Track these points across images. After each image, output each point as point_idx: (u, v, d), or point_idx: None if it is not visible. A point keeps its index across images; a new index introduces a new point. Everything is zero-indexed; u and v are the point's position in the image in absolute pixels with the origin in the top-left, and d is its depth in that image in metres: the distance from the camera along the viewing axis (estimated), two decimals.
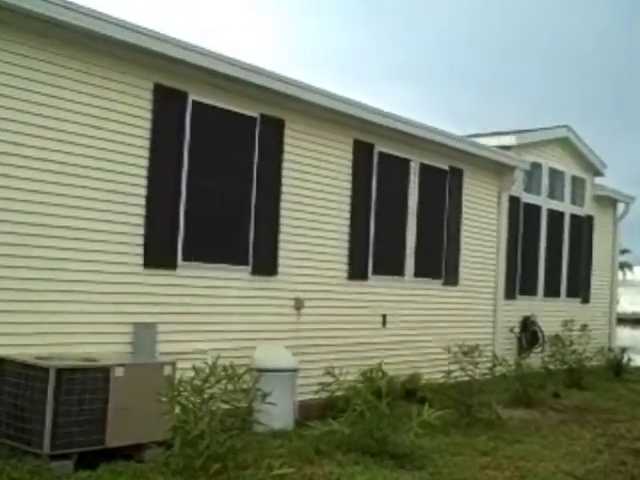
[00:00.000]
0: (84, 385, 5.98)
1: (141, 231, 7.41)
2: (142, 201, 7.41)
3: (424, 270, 11.17)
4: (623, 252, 34.16)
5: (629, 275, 52.65)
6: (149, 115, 7.48)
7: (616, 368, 14.18)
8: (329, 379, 7.91)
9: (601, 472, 7.08)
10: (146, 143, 7.45)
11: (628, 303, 47.27)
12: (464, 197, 12.00)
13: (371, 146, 10.13)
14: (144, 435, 6.24)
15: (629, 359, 14.51)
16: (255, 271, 8.56)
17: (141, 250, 7.41)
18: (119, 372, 6.22)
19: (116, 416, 6.12)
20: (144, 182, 7.43)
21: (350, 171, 9.84)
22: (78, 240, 6.89)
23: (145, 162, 7.44)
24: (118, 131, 7.21)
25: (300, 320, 8.98)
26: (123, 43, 7.03)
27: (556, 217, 14.73)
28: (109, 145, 7.13)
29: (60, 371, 5.86)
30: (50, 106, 6.68)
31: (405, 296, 10.78)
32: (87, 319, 6.92)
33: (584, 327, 13.89)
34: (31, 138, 6.56)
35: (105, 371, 6.15)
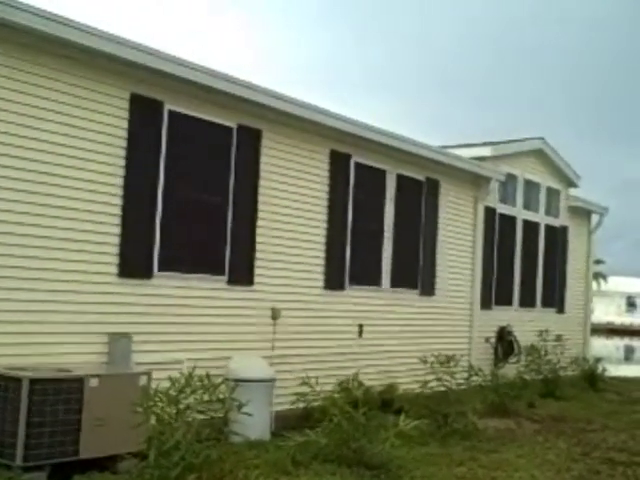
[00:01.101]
0: (58, 396, 5.92)
1: (117, 240, 7.36)
2: (118, 210, 7.37)
3: (401, 280, 11.20)
4: (597, 262, 34.46)
5: (603, 285, 53.14)
6: (125, 125, 7.45)
7: (590, 378, 14.28)
8: (306, 389, 7.90)
9: None
10: (122, 152, 7.42)
11: (603, 313, 47.74)
12: (440, 208, 12.06)
13: (348, 157, 10.16)
14: (119, 446, 6.18)
15: (603, 369, 14.62)
16: (231, 281, 8.54)
17: (116, 260, 7.36)
18: (94, 382, 6.17)
19: (90, 427, 6.07)
20: (120, 191, 7.39)
21: (327, 181, 9.86)
22: (54, 250, 6.84)
23: (121, 171, 7.40)
24: (94, 140, 7.17)
25: (277, 330, 8.95)
26: (99, 52, 7.00)
27: (531, 228, 14.84)
28: (85, 154, 7.09)
29: (33, 382, 5.81)
30: (27, 115, 6.63)
31: (382, 306, 10.80)
32: (61, 329, 6.86)
33: (559, 337, 13.99)
34: (9, 147, 6.51)
35: (79, 382, 6.10)
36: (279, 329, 8.99)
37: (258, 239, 8.84)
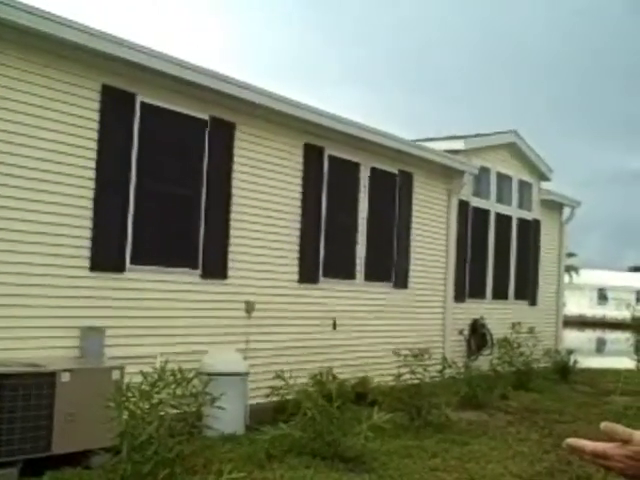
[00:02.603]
0: (29, 391, 5.86)
1: (88, 234, 7.30)
2: (89, 203, 7.31)
3: (374, 273, 11.22)
4: (569, 255, 34.76)
5: (575, 278, 53.58)
6: (97, 116, 7.38)
7: (562, 370, 14.39)
8: (280, 383, 7.89)
9: (548, 473, 7.17)
10: (93, 145, 7.35)
11: (575, 306, 48.16)
12: (414, 201, 12.09)
13: (321, 150, 10.15)
14: (91, 441, 6.14)
15: (575, 361, 14.75)
16: (205, 274, 8.50)
17: (88, 253, 7.30)
18: (65, 377, 6.11)
19: (62, 422, 6.02)
20: (91, 184, 7.32)
21: (301, 174, 9.84)
22: (25, 243, 6.76)
23: (92, 164, 7.33)
24: (65, 132, 7.10)
25: (251, 323, 8.94)
26: (70, 43, 6.92)
27: (504, 221, 14.92)
28: (55, 146, 7.01)
29: (4, 377, 5.74)
30: None
31: (356, 299, 10.81)
32: (33, 323, 6.79)
33: (532, 329, 14.08)
34: None
35: (51, 376, 6.04)
36: (253, 323, 8.97)
37: (232, 233, 8.81)
